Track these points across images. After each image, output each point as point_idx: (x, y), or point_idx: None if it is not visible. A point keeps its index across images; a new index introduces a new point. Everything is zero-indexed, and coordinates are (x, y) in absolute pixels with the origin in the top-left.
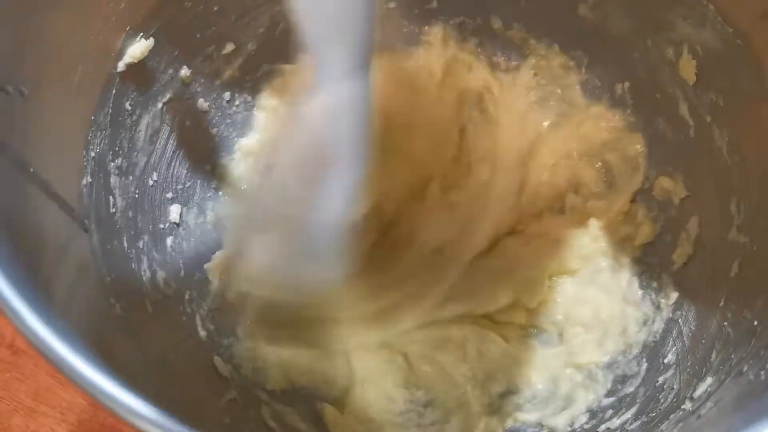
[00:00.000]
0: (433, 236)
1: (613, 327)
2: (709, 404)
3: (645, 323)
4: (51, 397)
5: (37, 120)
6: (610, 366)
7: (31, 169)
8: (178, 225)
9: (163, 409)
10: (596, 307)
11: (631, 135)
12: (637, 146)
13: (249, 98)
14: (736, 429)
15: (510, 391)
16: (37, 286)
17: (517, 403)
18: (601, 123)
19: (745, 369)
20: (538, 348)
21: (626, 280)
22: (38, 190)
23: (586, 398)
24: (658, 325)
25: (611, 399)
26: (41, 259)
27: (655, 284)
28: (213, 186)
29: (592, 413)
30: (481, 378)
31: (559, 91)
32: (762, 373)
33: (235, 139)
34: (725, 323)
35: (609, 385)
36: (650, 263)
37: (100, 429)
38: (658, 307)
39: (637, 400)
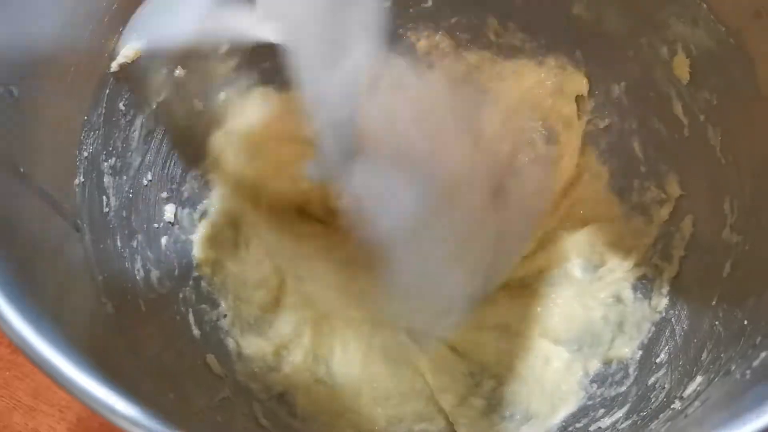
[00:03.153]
0: None
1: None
2: (696, 403)
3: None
4: (50, 396)
5: (29, 120)
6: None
7: (22, 169)
8: (172, 224)
9: (155, 409)
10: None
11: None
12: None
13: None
14: (719, 427)
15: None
16: (27, 286)
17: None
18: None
19: (733, 368)
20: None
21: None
22: (29, 190)
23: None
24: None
25: (602, 398)
26: (32, 260)
27: (648, 284)
28: (208, 185)
29: (584, 412)
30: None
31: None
32: (748, 372)
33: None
34: (717, 322)
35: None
36: (644, 262)
37: (99, 427)
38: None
39: (629, 400)
